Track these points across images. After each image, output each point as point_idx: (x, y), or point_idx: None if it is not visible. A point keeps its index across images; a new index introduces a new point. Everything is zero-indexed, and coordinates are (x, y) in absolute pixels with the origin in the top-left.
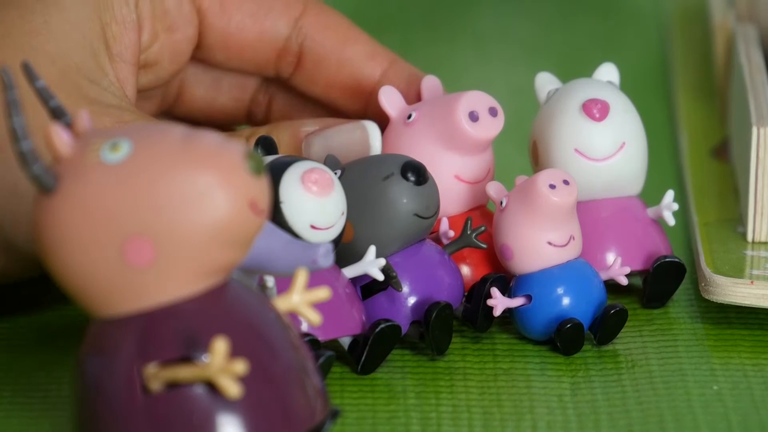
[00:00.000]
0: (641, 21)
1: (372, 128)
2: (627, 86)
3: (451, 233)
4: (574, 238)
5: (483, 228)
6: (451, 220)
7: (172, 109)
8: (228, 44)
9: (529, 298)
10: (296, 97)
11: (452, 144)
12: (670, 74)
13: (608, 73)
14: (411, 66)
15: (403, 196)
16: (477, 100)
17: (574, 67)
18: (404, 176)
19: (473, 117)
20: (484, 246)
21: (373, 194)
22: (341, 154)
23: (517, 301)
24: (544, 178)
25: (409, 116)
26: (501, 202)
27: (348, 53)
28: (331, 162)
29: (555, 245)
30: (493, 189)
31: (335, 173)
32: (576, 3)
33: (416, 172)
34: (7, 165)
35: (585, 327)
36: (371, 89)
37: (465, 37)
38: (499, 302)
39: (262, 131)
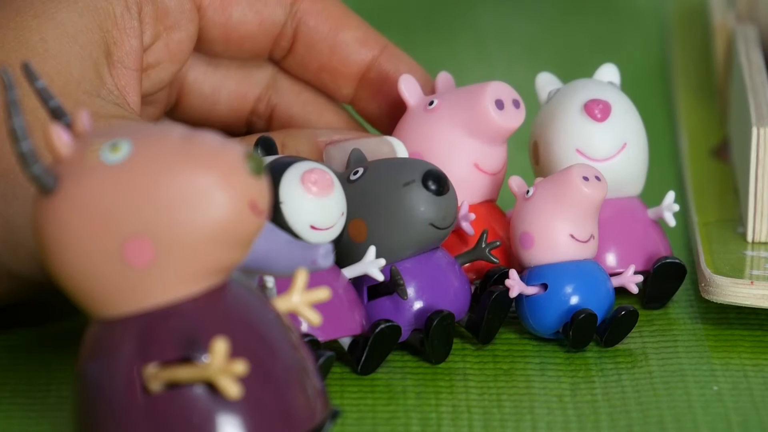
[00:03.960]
0: (641, 21)
1: (398, 144)
2: (627, 86)
3: (472, 216)
4: (593, 238)
5: (498, 243)
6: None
7: (170, 116)
8: (229, 38)
9: (544, 286)
10: (299, 110)
11: (475, 131)
12: (670, 74)
13: (609, 73)
14: (402, 52)
15: (421, 205)
16: (502, 89)
17: (575, 67)
18: (425, 185)
19: (499, 105)
20: (496, 261)
21: (391, 199)
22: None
23: (532, 289)
24: (578, 170)
25: (431, 103)
26: (527, 191)
27: (340, 39)
28: (356, 157)
29: (576, 239)
30: (516, 183)
31: (357, 171)
32: (576, 3)
33: (437, 182)
34: None
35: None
36: (361, 75)
37: (465, 37)
38: (515, 284)
39: (278, 136)
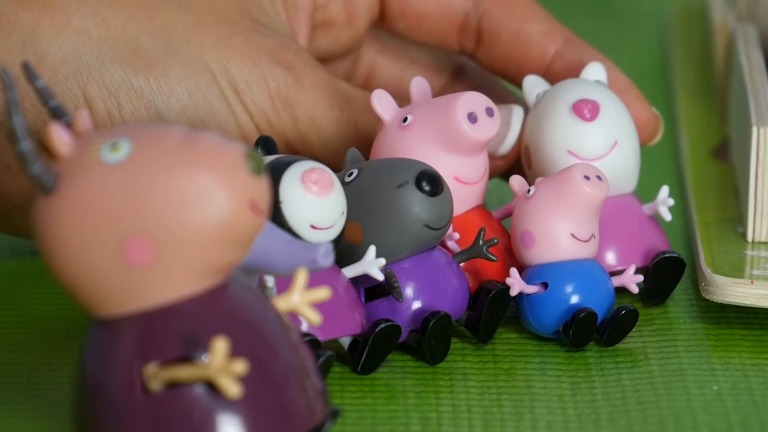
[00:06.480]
0: (641, 21)
1: (516, 110)
2: None
3: (456, 235)
4: (594, 237)
5: (496, 240)
6: (454, 221)
7: None
8: (405, 14)
9: (545, 285)
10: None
11: (451, 146)
12: (670, 74)
13: (596, 72)
14: (585, 43)
15: (415, 206)
16: (474, 100)
17: None
18: (418, 186)
19: (472, 118)
20: (494, 258)
21: (385, 200)
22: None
23: (533, 288)
24: (579, 169)
25: (405, 119)
26: (528, 191)
27: (525, 30)
28: (352, 157)
29: (577, 239)
30: (517, 182)
31: (351, 173)
32: (576, 3)
33: (431, 183)
34: None
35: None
36: (546, 66)
37: None
38: (516, 282)
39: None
